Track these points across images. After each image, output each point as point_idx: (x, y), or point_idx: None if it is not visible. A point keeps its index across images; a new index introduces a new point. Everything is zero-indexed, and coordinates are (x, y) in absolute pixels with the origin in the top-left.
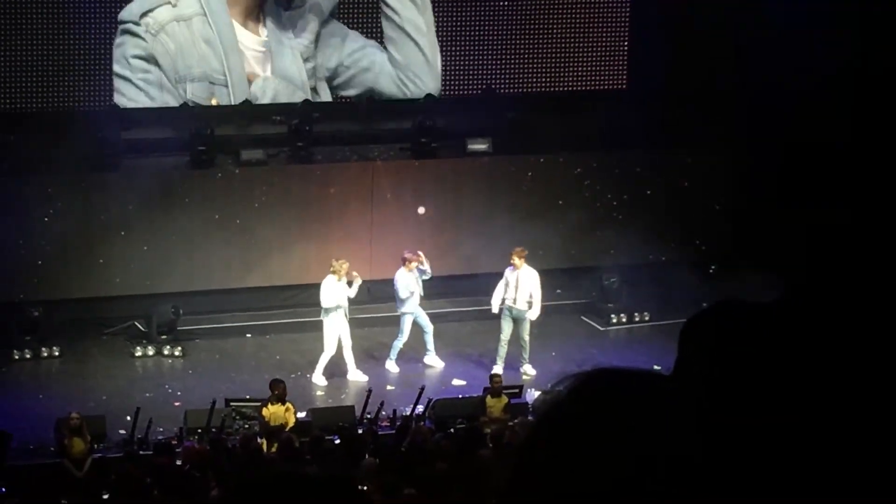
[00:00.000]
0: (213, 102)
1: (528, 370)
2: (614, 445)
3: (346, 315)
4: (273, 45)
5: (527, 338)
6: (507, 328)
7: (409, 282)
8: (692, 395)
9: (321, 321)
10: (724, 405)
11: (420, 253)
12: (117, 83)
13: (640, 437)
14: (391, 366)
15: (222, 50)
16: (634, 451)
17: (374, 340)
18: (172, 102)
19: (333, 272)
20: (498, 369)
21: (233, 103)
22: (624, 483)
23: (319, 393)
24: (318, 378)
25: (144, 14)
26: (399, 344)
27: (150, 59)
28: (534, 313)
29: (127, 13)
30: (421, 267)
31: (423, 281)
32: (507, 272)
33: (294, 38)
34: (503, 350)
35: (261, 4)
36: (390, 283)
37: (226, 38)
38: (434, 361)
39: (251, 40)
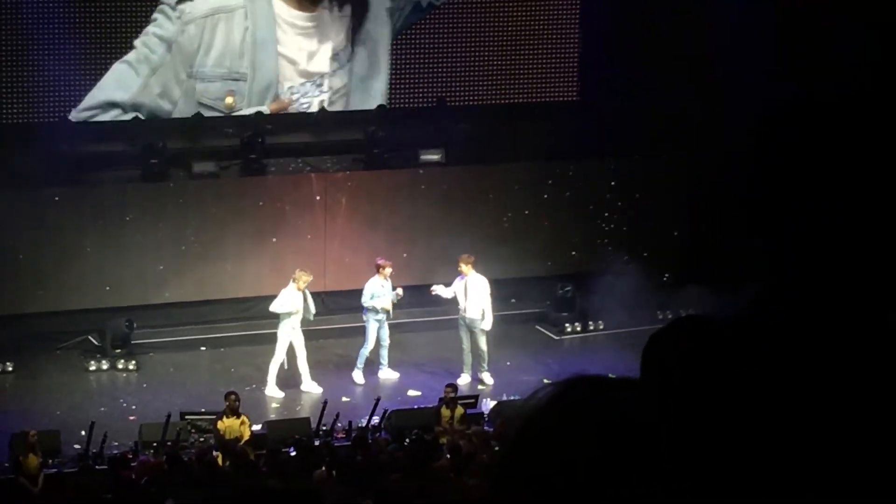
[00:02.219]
0: (228, 101)
1: (487, 378)
2: (596, 452)
3: (300, 326)
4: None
5: (484, 347)
6: (465, 337)
7: (374, 288)
8: (660, 404)
9: (293, 330)
10: (689, 417)
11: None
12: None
13: (621, 442)
14: (357, 375)
15: (253, 48)
16: (616, 457)
17: (329, 352)
18: (156, 89)
19: (293, 280)
20: (465, 377)
21: (250, 105)
22: (606, 489)
23: (275, 405)
24: (272, 390)
25: (183, 0)
26: (365, 352)
27: (168, 44)
28: (486, 323)
29: None
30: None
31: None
32: (456, 282)
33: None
34: (468, 359)
35: None
36: (345, 294)
37: (261, 35)
38: (388, 375)
39: (298, 17)
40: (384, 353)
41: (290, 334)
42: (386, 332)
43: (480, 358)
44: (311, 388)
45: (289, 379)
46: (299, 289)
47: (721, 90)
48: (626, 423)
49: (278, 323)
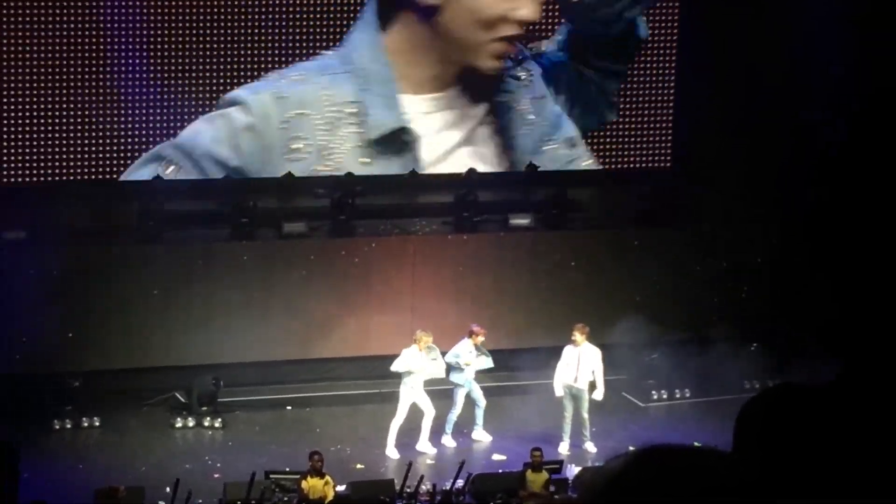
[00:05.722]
0: None
1: (590, 447)
2: None
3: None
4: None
5: (587, 416)
6: (569, 406)
7: (461, 351)
8: (748, 472)
9: (380, 392)
10: (781, 487)
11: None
12: None
13: None
14: (447, 440)
15: None
16: None
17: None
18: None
19: (416, 341)
20: (564, 447)
21: None
22: None
23: (359, 466)
24: (391, 451)
25: None
26: (453, 417)
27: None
28: (598, 393)
29: None
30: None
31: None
32: (567, 350)
33: None
34: (568, 427)
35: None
36: None
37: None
38: (481, 436)
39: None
40: (479, 413)
41: (410, 394)
42: (479, 393)
43: (582, 426)
44: (425, 447)
45: (403, 436)
46: (420, 349)
47: (811, 159)
48: (700, 492)
49: (401, 383)
